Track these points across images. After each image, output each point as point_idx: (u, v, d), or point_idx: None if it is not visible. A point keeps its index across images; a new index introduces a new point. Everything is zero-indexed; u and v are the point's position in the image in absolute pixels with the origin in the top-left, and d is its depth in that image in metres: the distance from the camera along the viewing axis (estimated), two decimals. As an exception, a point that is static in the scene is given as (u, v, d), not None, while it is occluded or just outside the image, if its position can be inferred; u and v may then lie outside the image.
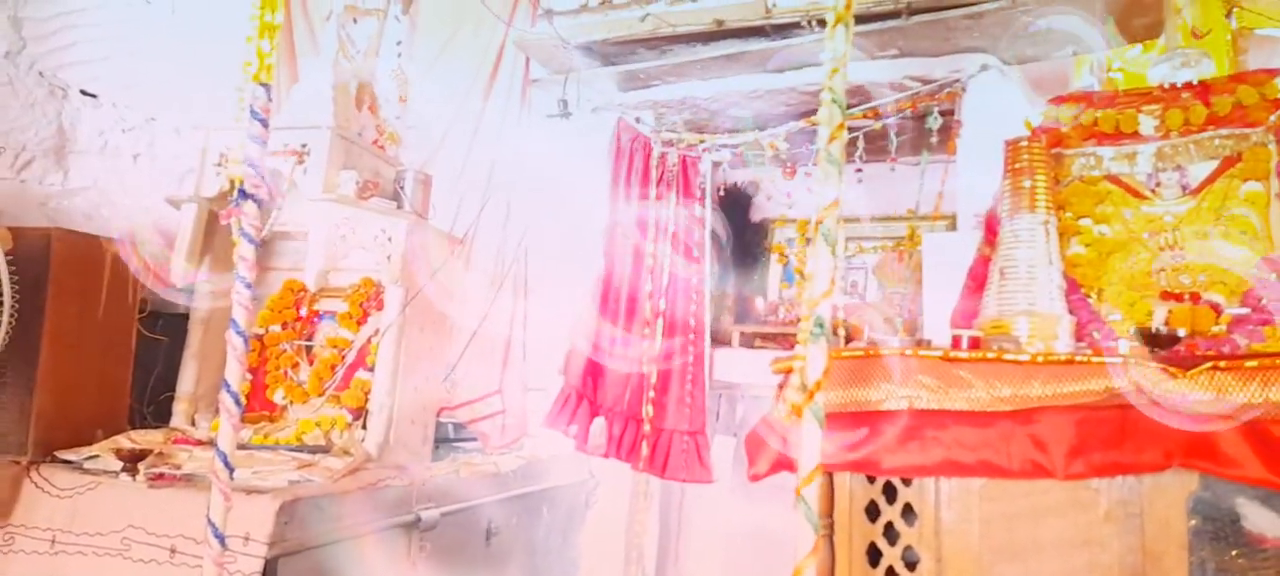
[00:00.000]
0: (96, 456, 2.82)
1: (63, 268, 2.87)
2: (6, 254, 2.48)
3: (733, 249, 4.06)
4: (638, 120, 3.81)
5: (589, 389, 3.78)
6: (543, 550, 4.01)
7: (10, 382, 2.81)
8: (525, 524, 3.86)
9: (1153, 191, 2.67)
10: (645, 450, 3.66)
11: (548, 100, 3.70)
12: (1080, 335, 2.44)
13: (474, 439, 3.74)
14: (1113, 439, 1.94)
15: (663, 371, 3.72)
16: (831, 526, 2.23)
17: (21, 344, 2.69)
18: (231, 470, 2.13)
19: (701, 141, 3.69)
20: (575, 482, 4.29)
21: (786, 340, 3.92)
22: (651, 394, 3.70)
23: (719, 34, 3.28)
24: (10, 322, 2.49)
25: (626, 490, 4.16)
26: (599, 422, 3.79)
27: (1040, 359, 1.99)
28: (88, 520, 2.61)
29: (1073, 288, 2.55)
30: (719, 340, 3.95)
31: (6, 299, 2.43)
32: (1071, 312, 2.44)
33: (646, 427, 3.68)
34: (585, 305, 3.80)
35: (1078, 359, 1.96)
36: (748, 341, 3.99)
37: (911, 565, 2.18)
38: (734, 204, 4.19)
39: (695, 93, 3.55)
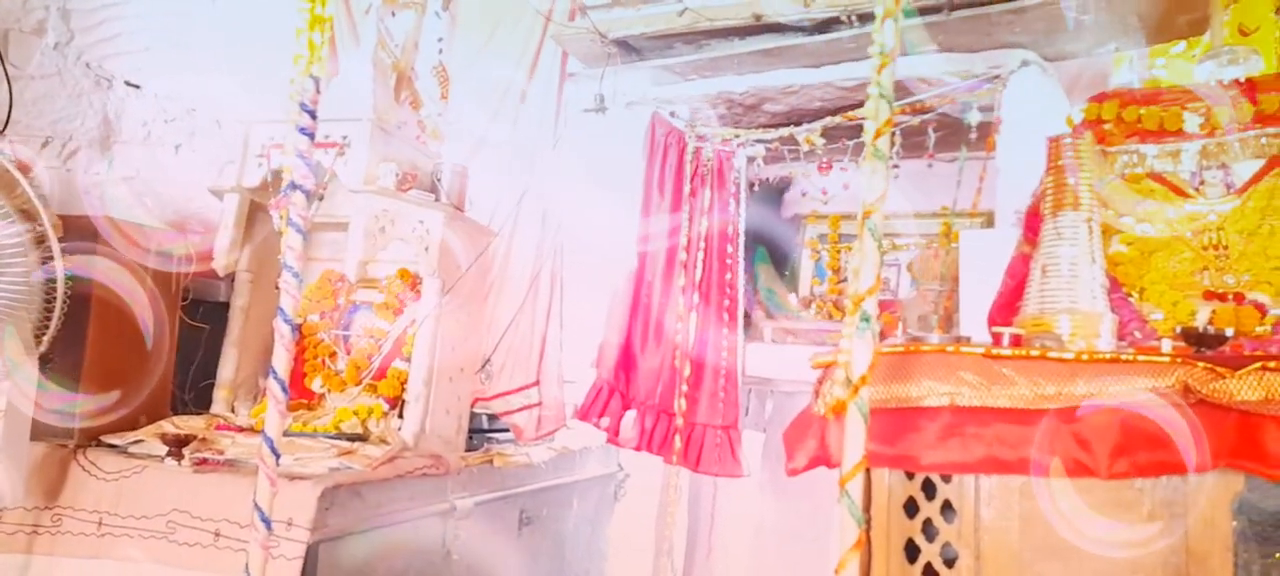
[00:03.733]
0: (141, 441, 2.88)
1: (109, 255, 2.92)
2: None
3: (765, 244, 4.07)
4: (672, 115, 3.82)
5: (621, 382, 3.80)
6: (573, 541, 4.04)
7: (58, 368, 2.87)
8: (556, 515, 3.90)
9: (1197, 190, 2.64)
10: (679, 443, 3.67)
11: (584, 95, 3.71)
12: (1122, 334, 2.42)
13: (506, 430, 3.77)
14: (1158, 438, 1.92)
15: (696, 366, 3.73)
16: (869, 522, 2.23)
17: (69, 329, 2.74)
18: (278, 456, 2.17)
19: (736, 136, 3.70)
20: (604, 475, 4.32)
21: (818, 335, 3.93)
22: (685, 388, 3.72)
23: (757, 28, 3.28)
24: (63, 308, 2.54)
25: (656, 483, 4.18)
26: (631, 416, 3.81)
27: (1085, 356, 1.98)
28: (133, 503, 2.67)
29: (1114, 286, 2.52)
30: (751, 335, 3.96)
31: (60, 285, 2.48)
32: (1113, 311, 2.42)
33: (679, 421, 3.70)
34: (618, 299, 3.82)
35: (1124, 357, 1.95)
36: (780, 337, 3.99)
37: (949, 562, 2.17)
38: (767, 199, 4.19)
39: (731, 87, 3.56)
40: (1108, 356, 1.99)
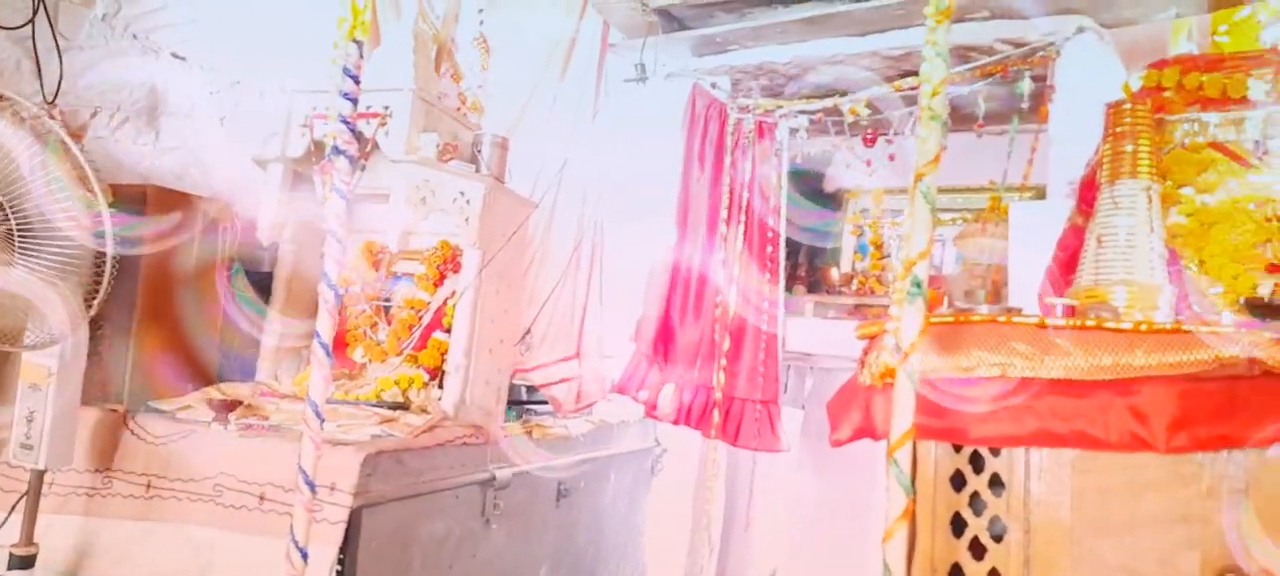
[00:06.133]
0: (188, 406, 2.92)
1: (156, 224, 2.96)
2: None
3: (807, 219, 4.02)
4: (713, 86, 3.77)
5: (660, 356, 3.78)
6: (610, 513, 4.05)
7: (108, 334, 2.92)
8: (593, 488, 3.90)
9: (1260, 160, 2.55)
10: (717, 417, 3.65)
11: (624, 66, 3.68)
12: (1180, 307, 2.35)
13: (545, 402, 3.77)
14: (1220, 411, 1.86)
15: (735, 340, 3.70)
16: (914, 496, 2.19)
17: (118, 297, 2.78)
18: (322, 420, 2.19)
19: (779, 107, 3.63)
20: (642, 449, 4.31)
21: (860, 311, 3.87)
22: (723, 362, 3.69)
23: (801, -5, 3.22)
24: (112, 274, 2.57)
25: (693, 458, 4.17)
26: (669, 389, 3.79)
27: (1144, 327, 1.92)
28: (181, 467, 2.71)
29: (1172, 258, 2.45)
30: (791, 310, 3.91)
31: (110, 251, 2.52)
32: (1171, 283, 2.34)
33: (718, 395, 3.67)
34: (657, 272, 3.80)
35: (1185, 327, 1.88)
36: (821, 312, 3.94)
37: (997, 537, 2.13)
38: (809, 173, 4.13)
39: (773, 57, 3.49)
40: (1168, 327, 1.93)
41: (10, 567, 2.54)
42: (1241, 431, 1.84)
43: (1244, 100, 2.56)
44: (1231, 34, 2.95)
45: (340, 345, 3.39)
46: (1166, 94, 2.64)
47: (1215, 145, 2.60)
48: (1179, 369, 1.87)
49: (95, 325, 2.71)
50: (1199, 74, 2.62)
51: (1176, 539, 1.94)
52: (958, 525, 2.17)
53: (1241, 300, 2.14)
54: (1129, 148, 2.34)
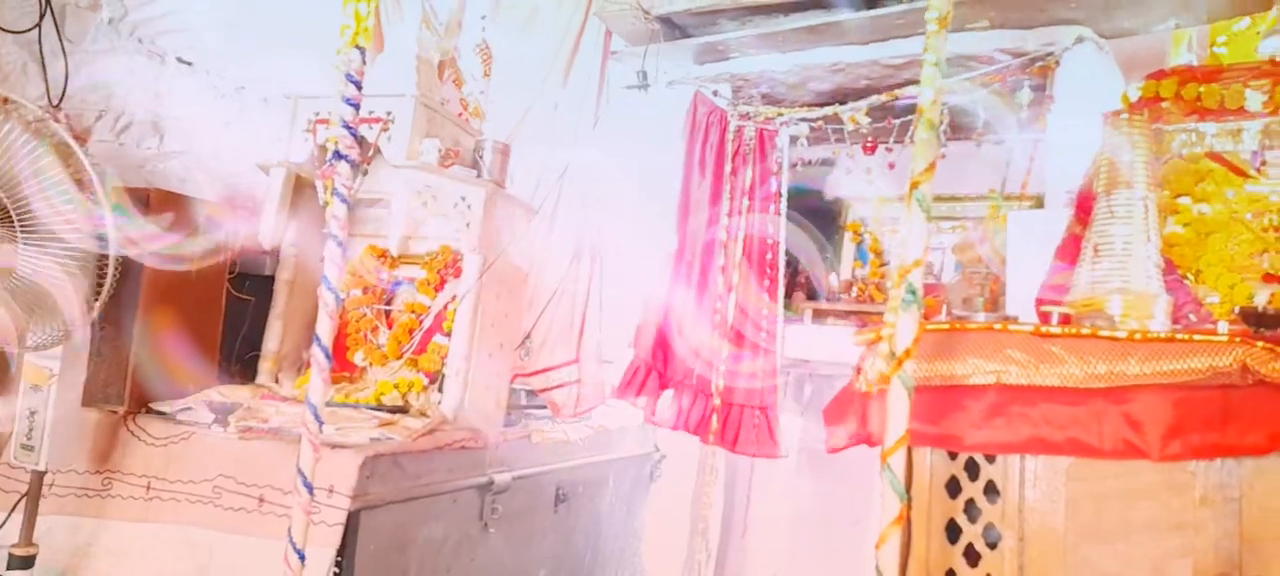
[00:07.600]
0: (189, 408, 2.94)
1: (159, 227, 2.97)
2: (111, 209, 2.57)
3: (806, 226, 4.03)
4: (715, 93, 3.79)
5: (659, 361, 3.79)
6: (608, 519, 4.05)
7: (109, 336, 2.94)
8: (592, 493, 3.91)
9: (1258, 170, 2.56)
10: (716, 423, 3.66)
11: (626, 73, 3.70)
12: (1176, 316, 2.36)
13: (544, 406, 3.78)
14: (1213, 420, 1.87)
15: (735, 345, 3.70)
16: (909, 502, 2.20)
17: (120, 298, 2.80)
18: (321, 423, 2.20)
19: (779, 115, 3.65)
20: (641, 455, 4.32)
21: (859, 318, 3.88)
22: (723, 368, 3.69)
23: (803, 4, 3.23)
24: (115, 276, 2.59)
25: (692, 464, 4.17)
26: (668, 395, 3.80)
27: (1138, 336, 1.93)
28: (181, 468, 2.73)
29: (1169, 267, 2.46)
30: (789, 316, 3.92)
31: (112, 254, 2.54)
32: (1167, 292, 2.35)
33: (716, 401, 3.68)
34: (657, 278, 3.81)
35: (1179, 337, 1.90)
36: (819, 318, 3.95)
37: (992, 543, 2.14)
38: (809, 180, 4.14)
39: (775, 66, 3.51)
40: (1162, 336, 1.94)
41: (10, 568, 2.56)
42: (1235, 440, 1.85)
43: (1242, 111, 2.57)
44: (1230, 45, 2.97)
45: (340, 348, 3.41)
46: (1165, 104, 2.65)
47: (1213, 155, 2.61)
48: (1173, 377, 1.88)
49: (97, 326, 2.72)
50: (1197, 84, 2.63)
51: (1170, 547, 1.95)
52: (953, 531, 2.19)
53: (1236, 310, 2.15)
54: (1126, 158, 2.35)
